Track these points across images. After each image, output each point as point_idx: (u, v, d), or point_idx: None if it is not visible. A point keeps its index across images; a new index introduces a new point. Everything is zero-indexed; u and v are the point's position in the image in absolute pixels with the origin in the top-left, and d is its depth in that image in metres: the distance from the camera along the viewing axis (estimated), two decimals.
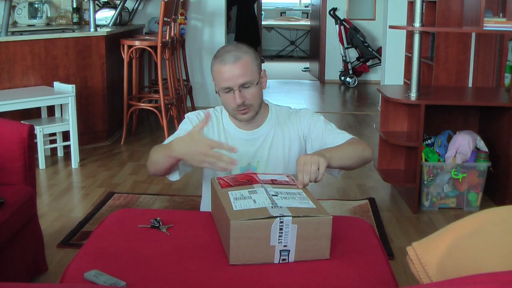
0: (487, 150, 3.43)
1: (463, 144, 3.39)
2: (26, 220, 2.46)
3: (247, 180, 1.74)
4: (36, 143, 3.97)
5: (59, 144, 4.48)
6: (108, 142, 4.96)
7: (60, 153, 4.54)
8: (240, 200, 1.58)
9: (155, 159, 1.85)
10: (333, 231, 1.56)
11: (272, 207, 1.52)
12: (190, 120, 2.03)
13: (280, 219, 1.48)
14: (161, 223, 1.74)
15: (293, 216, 1.49)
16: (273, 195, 1.61)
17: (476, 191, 3.45)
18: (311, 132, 2.05)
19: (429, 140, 3.52)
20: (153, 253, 1.59)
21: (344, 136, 1.99)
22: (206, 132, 2.01)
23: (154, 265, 1.52)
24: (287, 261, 1.53)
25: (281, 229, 1.49)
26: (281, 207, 1.52)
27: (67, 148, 4.48)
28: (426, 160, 3.43)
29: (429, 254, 1.24)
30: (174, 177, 1.94)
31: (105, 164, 4.37)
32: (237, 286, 1.44)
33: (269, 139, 2.05)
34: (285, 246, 1.51)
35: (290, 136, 2.07)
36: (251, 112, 1.96)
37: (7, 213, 2.24)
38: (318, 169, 1.69)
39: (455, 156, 3.41)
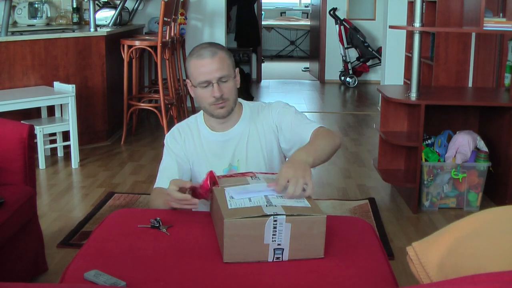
0: (487, 150, 3.43)
1: (463, 144, 3.39)
2: (26, 220, 2.46)
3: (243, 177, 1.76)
4: (36, 143, 3.97)
5: (59, 144, 4.48)
6: (108, 142, 4.96)
7: (60, 153, 4.54)
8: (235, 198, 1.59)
9: (157, 206, 1.94)
10: (333, 231, 1.56)
11: (266, 205, 1.53)
12: (169, 146, 2.08)
13: (274, 217, 1.48)
14: (161, 223, 1.74)
15: (287, 215, 1.49)
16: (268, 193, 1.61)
17: (476, 191, 3.45)
18: (281, 123, 2.05)
19: (429, 140, 3.52)
20: (153, 253, 1.59)
21: (312, 126, 1.97)
22: (183, 144, 2.07)
23: (154, 265, 1.52)
24: (281, 260, 1.53)
25: (275, 227, 1.49)
26: (275, 206, 1.53)
27: (67, 148, 4.48)
28: (426, 160, 3.43)
29: (429, 254, 1.24)
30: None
31: (105, 164, 4.37)
32: (238, 285, 1.45)
33: (245, 137, 2.06)
34: (279, 244, 1.51)
35: (264, 130, 2.07)
36: (227, 107, 1.98)
37: (7, 213, 2.24)
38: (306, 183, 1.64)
39: (455, 156, 3.40)
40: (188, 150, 2.06)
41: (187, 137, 2.08)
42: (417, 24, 3.34)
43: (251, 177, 1.77)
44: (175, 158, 2.05)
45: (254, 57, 8.80)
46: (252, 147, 2.05)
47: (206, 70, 1.92)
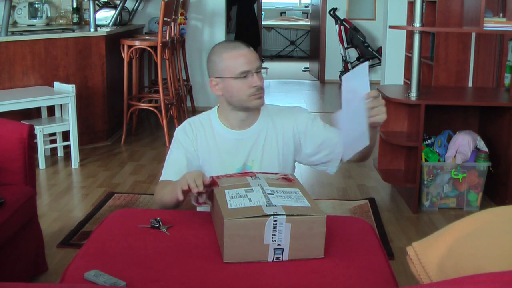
0: (487, 150, 3.43)
1: (463, 144, 3.39)
2: (26, 220, 2.46)
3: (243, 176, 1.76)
4: (36, 143, 3.97)
5: (59, 144, 4.48)
6: (108, 142, 4.96)
7: (60, 153, 4.54)
8: (235, 198, 1.59)
9: (165, 202, 1.89)
10: (333, 231, 1.56)
11: (266, 205, 1.53)
12: (180, 140, 2.04)
13: (274, 217, 1.48)
14: (161, 223, 1.74)
15: (287, 215, 1.49)
16: (269, 193, 1.61)
17: (476, 191, 3.45)
18: (308, 131, 2.05)
19: (429, 140, 3.52)
20: (153, 253, 1.59)
21: None
22: (194, 140, 2.03)
23: (154, 265, 1.52)
24: (281, 260, 1.53)
25: (275, 227, 1.49)
26: (275, 206, 1.53)
27: (67, 148, 4.48)
28: (426, 160, 3.43)
29: (429, 254, 1.24)
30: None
31: (105, 164, 4.37)
32: (238, 286, 1.45)
33: (262, 137, 2.04)
34: (279, 244, 1.52)
35: (284, 132, 2.06)
36: (264, 97, 1.99)
37: (7, 213, 2.24)
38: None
39: (455, 156, 3.40)
40: (200, 147, 2.03)
41: (199, 133, 2.05)
42: (417, 24, 3.34)
43: (251, 176, 1.77)
44: (184, 153, 2.02)
45: None
46: (269, 148, 2.04)
47: (247, 59, 1.93)
